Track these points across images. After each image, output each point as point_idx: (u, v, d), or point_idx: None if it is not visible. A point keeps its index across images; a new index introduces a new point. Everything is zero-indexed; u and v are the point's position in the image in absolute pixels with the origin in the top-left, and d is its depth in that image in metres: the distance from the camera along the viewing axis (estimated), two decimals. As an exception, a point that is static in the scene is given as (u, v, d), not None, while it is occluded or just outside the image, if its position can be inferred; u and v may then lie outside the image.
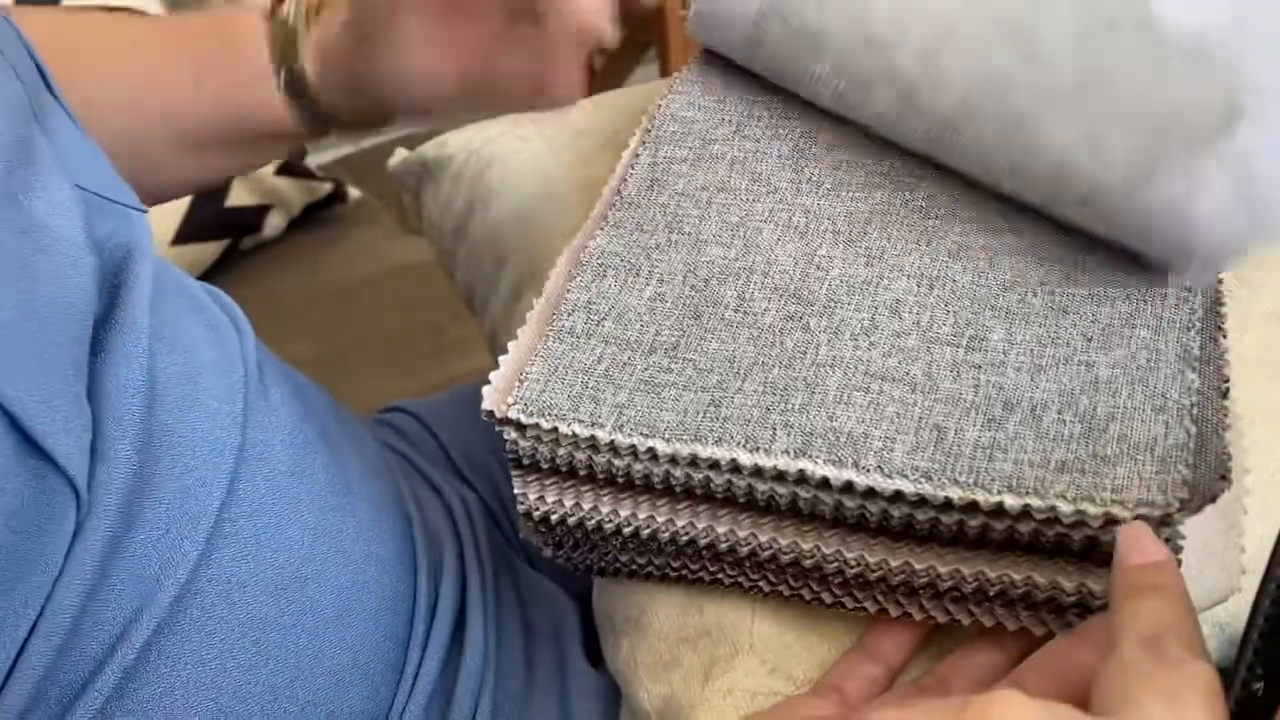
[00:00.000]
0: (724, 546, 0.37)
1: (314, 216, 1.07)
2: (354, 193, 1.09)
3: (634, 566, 0.40)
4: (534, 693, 0.46)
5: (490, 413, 0.37)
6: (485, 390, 0.37)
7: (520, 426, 0.37)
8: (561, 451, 0.37)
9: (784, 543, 0.37)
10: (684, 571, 0.39)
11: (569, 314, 0.40)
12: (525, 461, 0.38)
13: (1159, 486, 0.32)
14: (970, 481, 0.34)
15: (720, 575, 0.38)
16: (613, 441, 0.36)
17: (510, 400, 0.37)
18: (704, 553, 0.38)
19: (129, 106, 0.49)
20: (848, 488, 0.34)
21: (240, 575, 0.37)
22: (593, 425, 0.36)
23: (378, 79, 0.47)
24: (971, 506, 0.33)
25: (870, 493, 0.34)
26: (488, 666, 0.45)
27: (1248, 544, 0.36)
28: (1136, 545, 0.31)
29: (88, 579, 0.32)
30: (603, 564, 0.40)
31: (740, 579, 0.38)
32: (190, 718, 0.35)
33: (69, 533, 0.32)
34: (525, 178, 0.54)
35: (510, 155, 0.56)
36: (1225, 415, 0.35)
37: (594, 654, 0.47)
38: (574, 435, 0.36)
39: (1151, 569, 0.30)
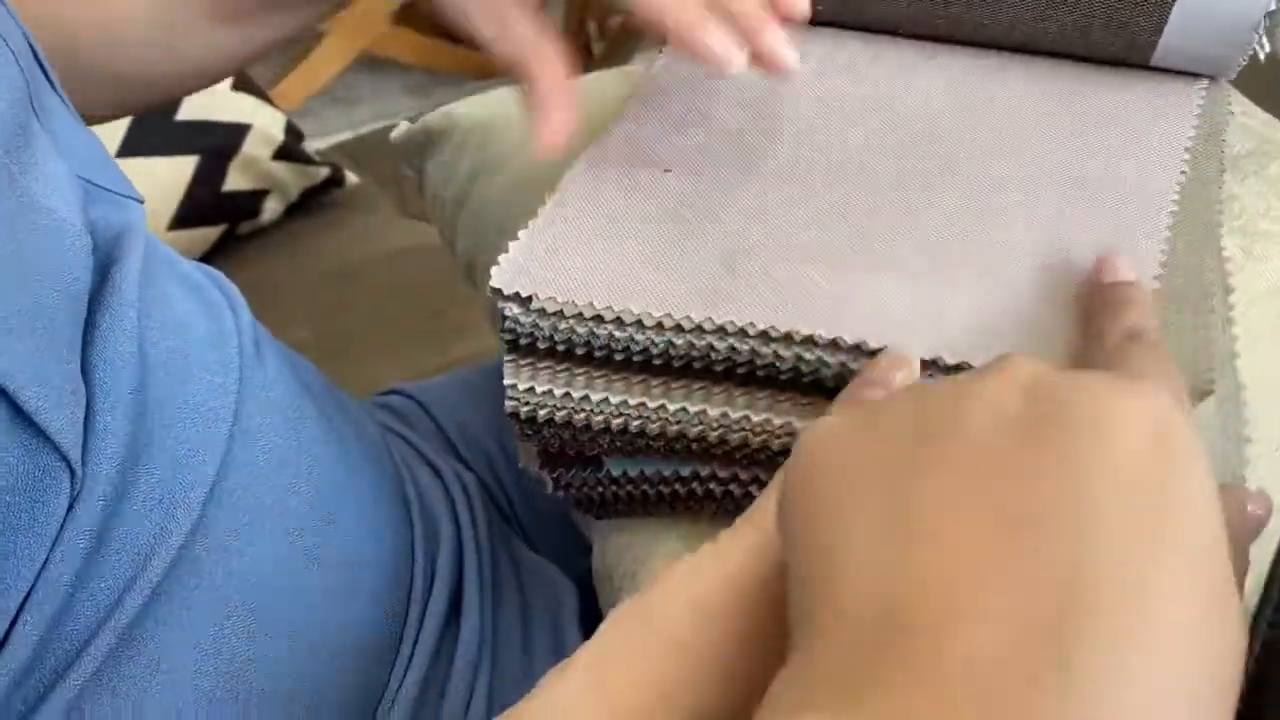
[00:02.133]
0: (714, 437, 0.37)
1: (311, 201, 1.06)
2: (351, 178, 1.09)
3: (627, 488, 0.40)
4: (531, 675, 0.46)
5: (498, 290, 0.37)
6: (493, 270, 0.38)
7: (524, 300, 0.37)
8: (562, 326, 0.37)
9: (778, 423, 0.36)
10: (675, 488, 0.39)
11: (576, 195, 0.41)
12: (523, 343, 0.38)
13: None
14: None
15: (712, 486, 0.38)
16: (619, 314, 0.36)
17: (516, 274, 0.38)
18: (693, 445, 0.38)
19: None
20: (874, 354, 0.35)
21: (238, 546, 0.37)
22: (599, 294, 0.37)
23: None
24: None
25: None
26: (484, 648, 0.45)
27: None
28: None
29: (82, 548, 0.32)
30: (595, 484, 0.41)
31: (732, 485, 0.38)
32: (185, 685, 0.36)
33: (63, 505, 0.32)
34: (531, 148, 0.54)
35: (516, 126, 0.55)
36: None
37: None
38: (577, 307, 0.37)
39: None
